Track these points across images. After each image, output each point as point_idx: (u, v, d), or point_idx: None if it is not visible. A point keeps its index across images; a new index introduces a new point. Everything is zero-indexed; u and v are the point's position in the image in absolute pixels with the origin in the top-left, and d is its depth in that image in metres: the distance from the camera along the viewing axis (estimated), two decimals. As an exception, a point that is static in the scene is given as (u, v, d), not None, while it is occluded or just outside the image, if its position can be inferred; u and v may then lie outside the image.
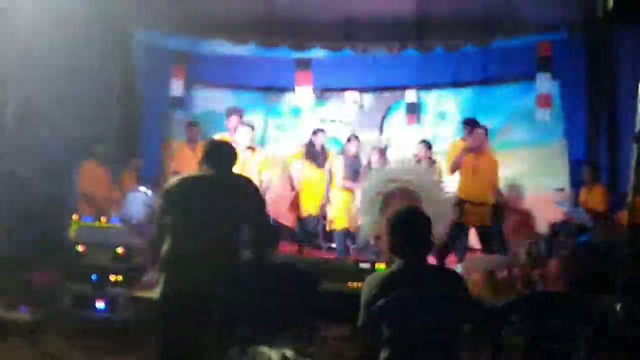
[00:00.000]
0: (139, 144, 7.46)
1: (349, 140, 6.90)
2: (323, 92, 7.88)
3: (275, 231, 6.43)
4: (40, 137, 5.78)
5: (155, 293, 3.02)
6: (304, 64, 7.60)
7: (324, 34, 7.39)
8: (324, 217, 7.08)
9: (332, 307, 3.41)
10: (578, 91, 6.86)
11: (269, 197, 6.03)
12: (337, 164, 6.81)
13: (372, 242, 5.49)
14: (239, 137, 6.28)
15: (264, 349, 2.81)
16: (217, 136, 5.76)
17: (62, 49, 5.63)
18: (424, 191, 4.70)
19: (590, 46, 6.80)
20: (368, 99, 8.02)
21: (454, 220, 5.36)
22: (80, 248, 4.85)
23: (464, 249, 6.22)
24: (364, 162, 6.86)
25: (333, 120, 7.97)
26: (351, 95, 7.99)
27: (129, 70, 7.37)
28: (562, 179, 6.84)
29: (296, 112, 7.98)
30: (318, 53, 7.65)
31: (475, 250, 6.42)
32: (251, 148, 6.44)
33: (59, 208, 5.72)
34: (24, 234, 5.26)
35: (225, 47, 7.57)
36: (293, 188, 7.09)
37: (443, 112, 7.75)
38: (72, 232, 5.19)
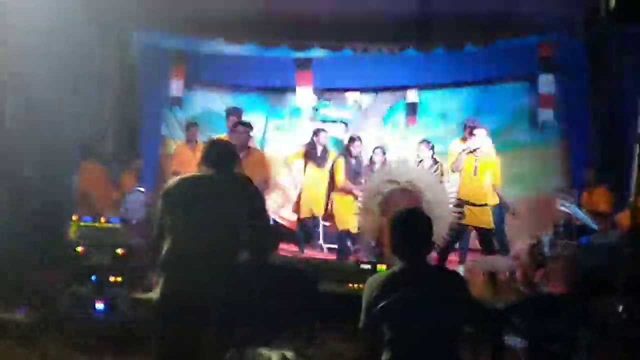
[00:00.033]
0: (139, 144, 7.44)
1: (350, 140, 6.87)
2: (323, 92, 7.87)
3: (275, 231, 6.41)
4: (40, 137, 5.78)
5: (154, 293, 3.00)
6: (304, 64, 7.57)
7: (324, 34, 7.37)
8: (325, 218, 7.07)
9: (332, 308, 3.40)
10: (579, 91, 6.86)
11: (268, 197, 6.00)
12: (338, 165, 6.79)
13: (372, 242, 5.49)
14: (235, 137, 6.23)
15: (264, 350, 2.80)
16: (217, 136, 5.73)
17: (62, 49, 5.63)
18: (424, 192, 4.70)
19: (591, 46, 6.80)
20: (368, 99, 8.01)
21: (454, 221, 5.36)
22: (79, 248, 4.84)
23: (464, 250, 6.21)
24: (364, 162, 6.84)
25: (334, 121, 7.95)
26: (351, 96, 7.97)
27: (128, 70, 7.36)
28: (563, 180, 6.83)
29: (296, 112, 7.97)
30: (318, 53, 7.64)
31: (476, 251, 6.40)
32: (249, 148, 6.42)
33: (59, 208, 5.71)
34: (24, 234, 5.26)
35: (225, 47, 7.56)
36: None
37: (443, 112, 7.73)
38: (72, 233, 5.17)
